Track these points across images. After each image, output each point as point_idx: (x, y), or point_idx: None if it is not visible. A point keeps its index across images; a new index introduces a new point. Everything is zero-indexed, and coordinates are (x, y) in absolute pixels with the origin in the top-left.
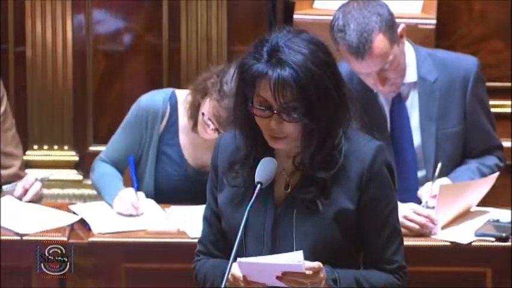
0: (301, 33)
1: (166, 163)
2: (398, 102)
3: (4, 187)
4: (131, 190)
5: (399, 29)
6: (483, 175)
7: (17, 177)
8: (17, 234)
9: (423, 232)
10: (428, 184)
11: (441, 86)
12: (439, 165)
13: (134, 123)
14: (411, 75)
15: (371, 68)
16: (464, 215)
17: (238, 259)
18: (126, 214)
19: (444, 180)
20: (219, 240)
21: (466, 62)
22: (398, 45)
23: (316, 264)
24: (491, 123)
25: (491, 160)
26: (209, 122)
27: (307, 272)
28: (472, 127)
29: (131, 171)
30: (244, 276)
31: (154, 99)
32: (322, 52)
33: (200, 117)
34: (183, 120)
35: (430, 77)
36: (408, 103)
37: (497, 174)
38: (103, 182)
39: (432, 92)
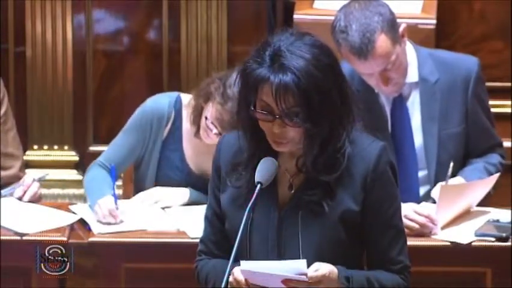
0: (304, 37)
1: (168, 168)
2: (399, 102)
3: (2, 191)
4: (109, 198)
5: (401, 29)
6: (490, 174)
7: (17, 178)
8: (17, 234)
9: (423, 232)
10: (440, 184)
11: (442, 86)
12: (451, 164)
13: (139, 127)
14: (412, 75)
15: (374, 68)
16: (464, 215)
17: (242, 264)
18: (104, 222)
19: (458, 180)
20: (221, 240)
21: (467, 62)
22: (399, 45)
23: (322, 274)
24: (491, 121)
25: (495, 158)
26: (212, 126)
27: (311, 280)
28: (473, 127)
29: (112, 179)
30: (246, 280)
31: (159, 103)
32: (325, 56)
33: (203, 121)
34: (187, 125)
35: (431, 78)
36: (409, 103)
37: (497, 175)
38: (91, 187)
39: (434, 93)
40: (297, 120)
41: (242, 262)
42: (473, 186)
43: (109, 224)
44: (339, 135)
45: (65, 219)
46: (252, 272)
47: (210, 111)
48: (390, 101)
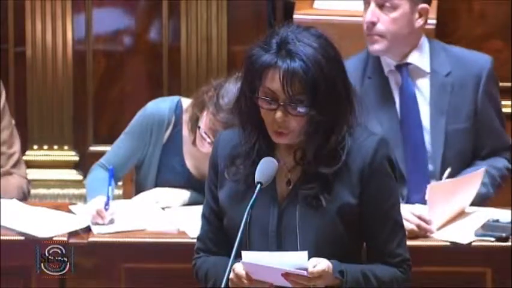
0: (310, 29)
1: (168, 172)
2: (406, 85)
3: None
4: (100, 198)
5: (422, 6)
6: (492, 177)
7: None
8: (35, 237)
9: (419, 233)
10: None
11: (453, 80)
12: (448, 169)
13: (139, 130)
14: (422, 62)
15: None
16: (463, 215)
17: (243, 255)
18: (93, 222)
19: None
20: (219, 237)
21: (480, 60)
22: (411, 9)
23: (321, 269)
24: (502, 123)
25: (501, 162)
26: (205, 136)
27: (311, 276)
28: (482, 126)
29: (108, 181)
30: (247, 274)
31: (160, 107)
32: (331, 48)
33: (197, 130)
34: (187, 130)
35: (443, 70)
36: (418, 93)
37: (483, 170)
38: (90, 188)
39: (444, 85)
40: (300, 109)
41: (243, 252)
42: (460, 182)
43: (97, 224)
44: (341, 128)
45: (77, 222)
46: (252, 265)
47: (204, 121)
48: (399, 86)
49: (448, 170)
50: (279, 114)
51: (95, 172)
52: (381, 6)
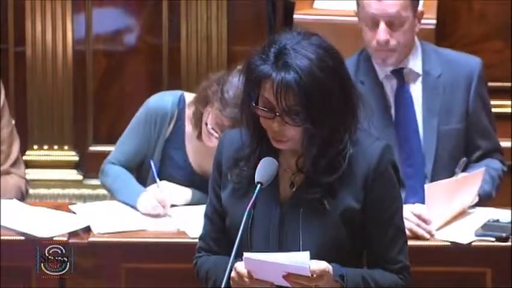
0: (311, 37)
1: (170, 167)
2: (402, 90)
3: None
4: (153, 188)
5: (419, 10)
6: (492, 177)
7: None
8: (35, 237)
9: (417, 232)
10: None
11: (445, 81)
12: (464, 159)
13: (143, 124)
14: (416, 66)
15: (388, 8)
16: (464, 215)
17: (245, 254)
18: (151, 215)
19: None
20: (221, 237)
21: (470, 61)
22: (414, 18)
23: (322, 268)
24: (492, 124)
25: (496, 164)
26: (213, 131)
27: (313, 275)
28: (474, 127)
29: (152, 174)
30: (248, 272)
31: (163, 101)
32: (330, 58)
33: (204, 127)
34: (189, 125)
35: (434, 72)
36: (412, 94)
37: (483, 169)
38: (119, 184)
39: (436, 87)
40: (297, 119)
41: (245, 254)
42: (459, 182)
43: (157, 216)
44: (341, 137)
45: (77, 222)
46: (254, 261)
47: (210, 117)
48: (393, 90)
49: (463, 160)
50: (276, 123)
51: (111, 170)
52: (390, 24)
